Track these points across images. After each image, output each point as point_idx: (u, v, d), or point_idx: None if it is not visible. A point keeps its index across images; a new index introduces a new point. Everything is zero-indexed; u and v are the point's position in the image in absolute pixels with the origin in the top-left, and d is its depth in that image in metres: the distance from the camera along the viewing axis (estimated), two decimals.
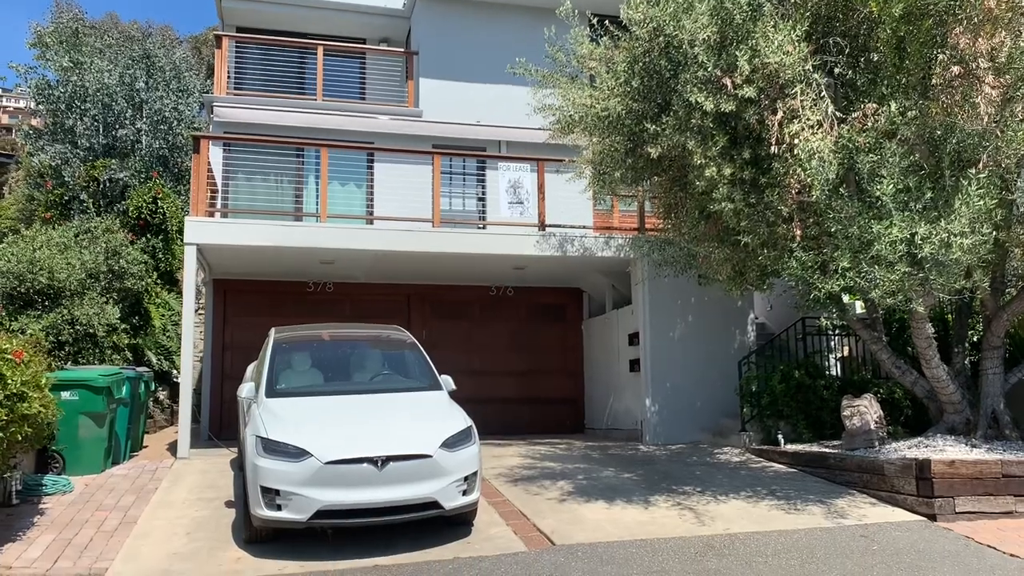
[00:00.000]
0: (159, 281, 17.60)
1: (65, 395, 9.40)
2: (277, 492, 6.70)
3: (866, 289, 7.85)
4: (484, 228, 13.29)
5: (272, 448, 6.88)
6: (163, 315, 17.66)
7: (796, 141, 7.15)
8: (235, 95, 14.95)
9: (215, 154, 13.70)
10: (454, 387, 8.31)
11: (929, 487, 7.88)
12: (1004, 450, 8.71)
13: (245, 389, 8.04)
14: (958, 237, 7.13)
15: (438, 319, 14.61)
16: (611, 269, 13.35)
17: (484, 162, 14.49)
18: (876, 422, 9.86)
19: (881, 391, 11.10)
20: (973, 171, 7.12)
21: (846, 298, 10.92)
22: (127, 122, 20.25)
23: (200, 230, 11.06)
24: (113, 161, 19.76)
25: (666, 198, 9.15)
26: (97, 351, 13.78)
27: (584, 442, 12.74)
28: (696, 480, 9.42)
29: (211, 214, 12.50)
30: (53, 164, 20.07)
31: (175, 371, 19.53)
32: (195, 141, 11.33)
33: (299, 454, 6.74)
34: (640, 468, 10.12)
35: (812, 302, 10.05)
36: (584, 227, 12.70)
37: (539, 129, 11.13)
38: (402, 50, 16.01)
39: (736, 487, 9.04)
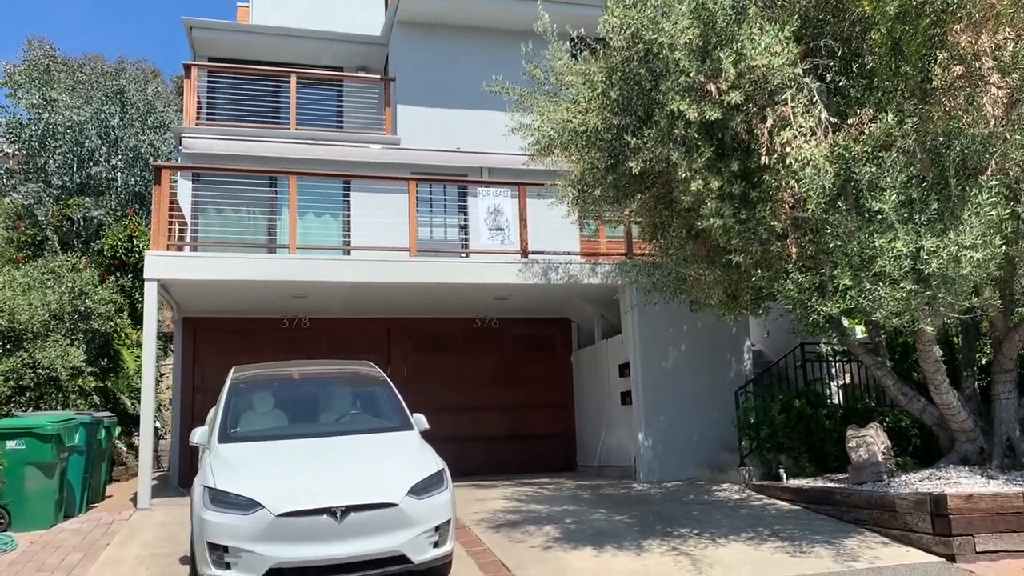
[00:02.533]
0: (132, 321, 16.95)
1: (10, 444, 8.75)
2: (225, 549, 6.03)
3: (869, 310, 7.24)
4: (467, 257, 12.71)
5: (220, 499, 6.21)
6: (137, 357, 16.99)
7: (788, 150, 6.58)
8: (207, 125, 14.45)
9: (184, 187, 13.19)
10: (427, 426, 7.64)
11: (946, 524, 7.20)
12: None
13: (197, 434, 7.37)
14: (968, 250, 6.55)
15: (420, 353, 13.98)
16: (599, 297, 12.75)
17: (465, 190, 13.96)
18: (884, 453, 9.22)
19: (887, 420, 10.47)
20: (984, 178, 6.55)
21: (845, 322, 10.35)
22: (102, 159, 19.74)
23: (161, 265, 10.45)
24: (87, 199, 19.23)
25: (651, 217, 8.56)
26: (61, 395, 13.14)
27: (575, 481, 12.03)
28: (693, 521, 8.73)
29: (180, 248, 11.94)
30: (26, 204, 19.52)
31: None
32: (156, 171, 10.76)
33: (249, 506, 6.07)
34: (633, 509, 9.43)
35: (811, 326, 9.47)
36: (569, 253, 12.11)
37: (520, 154, 10.62)
38: (378, 76, 15.56)
39: (736, 528, 8.35)
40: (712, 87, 6.69)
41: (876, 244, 6.74)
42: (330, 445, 7.07)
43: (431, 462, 6.79)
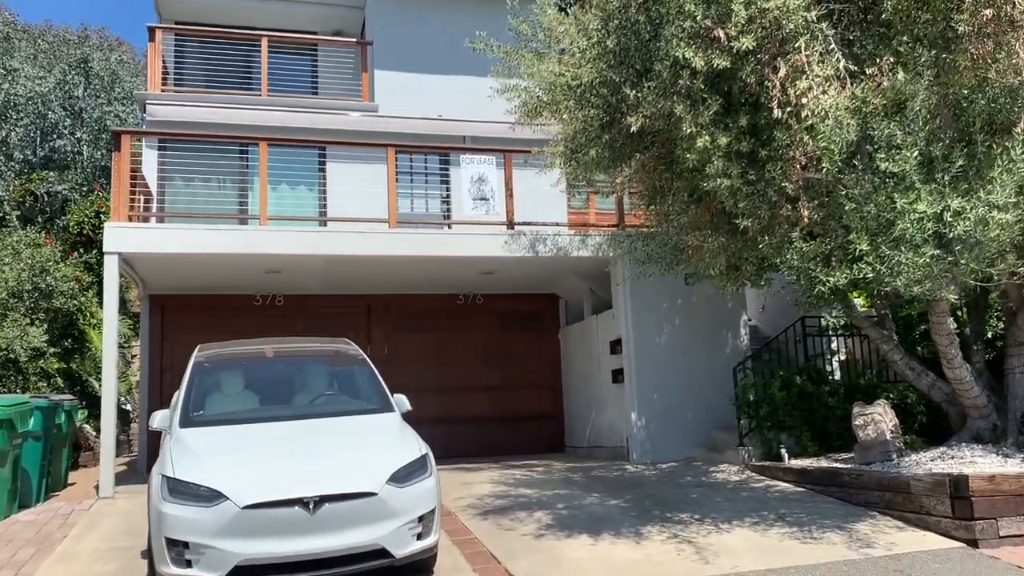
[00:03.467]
0: (99, 300, 16.22)
1: None
2: (186, 545, 5.43)
3: (887, 278, 6.70)
4: (450, 228, 12.07)
5: (179, 490, 5.60)
6: None
7: (804, 101, 6.00)
8: (174, 92, 13.66)
9: (149, 158, 12.47)
10: (409, 408, 7.05)
11: (967, 507, 6.72)
12: None
13: (157, 418, 6.74)
14: (998, 212, 6.01)
15: (401, 332, 13.36)
16: (589, 271, 12.18)
17: (447, 159, 13.30)
18: (892, 432, 8.76)
19: (891, 396, 9.99)
20: (1017, 130, 6.01)
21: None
22: (66, 132, 18.86)
23: (122, 237, 9.75)
24: (51, 174, 18.38)
25: (650, 180, 7.94)
26: (20, 378, 12.44)
27: (564, 463, 11.50)
28: (693, 505, 8.22)
29: (146, 220, 11.25)
30: None
31: (122, 398, 18.14)
32: (115, 137, 10.02)
33: (212, 497, 5.47)
34: (628, 492, 8.91)
35: (815, 298, 8.97)
36: (557, 224, 11.50)
37: (505, 123, 9.99)
38: (354, 40, 14.79)
39: (739, 512, 7.85)
40: (720, 32, 6.08)
41: (897, 205, 6.18)
42: (302, 429, 6.46)
43: (413, 446, 6.21)
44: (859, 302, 11.21)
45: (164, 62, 13.80)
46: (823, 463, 9.17)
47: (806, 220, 6.78)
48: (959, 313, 10.34)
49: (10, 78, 18.62)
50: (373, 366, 7.51)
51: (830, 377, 10.88)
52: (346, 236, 10.54)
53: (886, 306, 9.78)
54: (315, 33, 15.10)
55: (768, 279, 9.07)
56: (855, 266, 7.30)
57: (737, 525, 7.41)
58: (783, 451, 9.70)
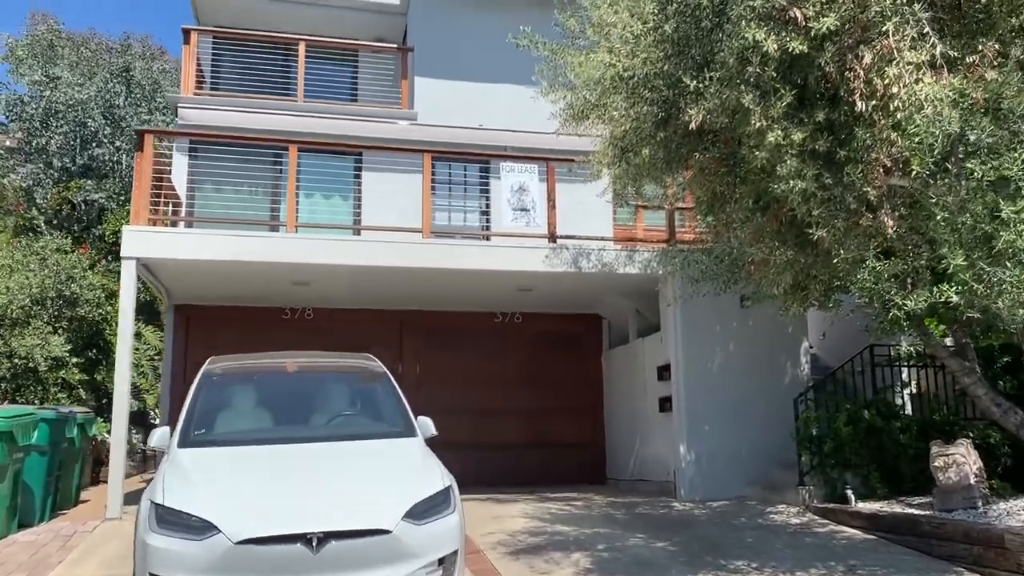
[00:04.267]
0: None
1: None
2: None
3: (980, 300, 5.83)
4: (488, 240, 11.39)
5: (168, 519, 4.92)
6: (135, 349, 15.92)
7: (894, 91, 5.18)
8: (209, 96, 13.23)
9: (180, 162, 12.06)
10: (434, 432, 6.29)
11: None
12: None
13: (156, 436, 6.08)
14: None
15: (435, 349, 12.67)
16: (635, 289, 11.37)
17: (488, 171, 12.67)
18: (976, 475, 7.81)
19: (972, 435, 8.99)
20: None
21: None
22: (105, 140, 18.65)
23: (141, 242, 9.23)
24: (89, 182, 18.15)
25: (710, 184, 7.12)
26: (40, 388, 11.99)
27: (605, 497, 10.64)
28: (749, 551, 7.35)
29: (175, 224, 10.78)
30: (24, 185, 18.48)
31: (151, 412, 17.69)
32: (139, 136, 9.54)
33: (203, 528, 4.79)
34: (676, 534, 8.05)
35: (889, 324, 8.06)
36: (602, 239, 10.74)
37: (548, 133, 9.28)
38: (395, 46, 14.27)
39: (802, 561, 6.96)
40: (797, 12, 5.30)
41: (1001, 215, 5.31)
42: (312, 454, 5.75)
43: (436, 477, 5.45)
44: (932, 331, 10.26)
45: (200, 66, 13.42)
46: (896, 508, 8.22)
47: (890, 231, 5.93)
48: None
49: (52, 85, 18.49)
50: (396, 385, 6.79)
51: (901, 412, 9.91)
52: (377, 246, 9.91)
53: (967, 335, 8.84)
54: (356, 39, 14.61)
55: (837, 301, 8.18)
56: (936, 288, 6.45)
57: None
58: (849, 492, 8.77)
